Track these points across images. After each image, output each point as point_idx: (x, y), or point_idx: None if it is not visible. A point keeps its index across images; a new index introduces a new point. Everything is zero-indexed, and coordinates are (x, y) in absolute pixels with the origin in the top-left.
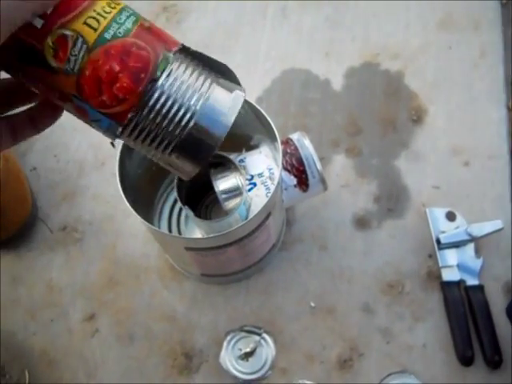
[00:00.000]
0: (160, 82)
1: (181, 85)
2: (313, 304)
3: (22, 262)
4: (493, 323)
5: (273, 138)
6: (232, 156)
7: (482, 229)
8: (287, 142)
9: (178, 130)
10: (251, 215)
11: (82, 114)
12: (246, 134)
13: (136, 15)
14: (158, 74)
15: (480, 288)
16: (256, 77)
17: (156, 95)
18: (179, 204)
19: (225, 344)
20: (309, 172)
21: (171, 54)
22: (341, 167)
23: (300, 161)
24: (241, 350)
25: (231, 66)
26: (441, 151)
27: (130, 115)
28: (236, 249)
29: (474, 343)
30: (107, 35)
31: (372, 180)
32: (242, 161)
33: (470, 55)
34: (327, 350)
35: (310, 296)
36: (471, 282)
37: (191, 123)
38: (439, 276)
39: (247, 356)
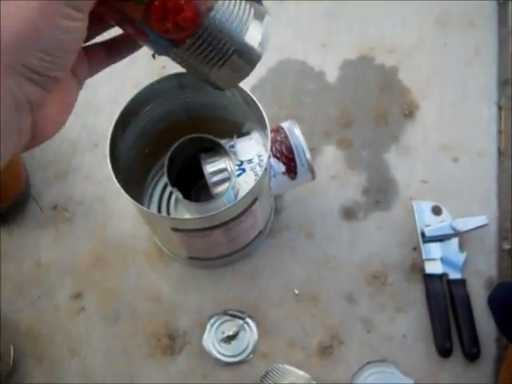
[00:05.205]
0: (214, 11)
1: (230, 11)
2: (297, 291)
3: (12, 239)
4: (473, 317)
5: (263, 125)
6: (223, 141)
7: (466, 224)
8: (278, 130)
9: (229, 47)
10: None
11: (141, 35)
12: (237, 120)
13: None
14: (214, 4)
15: (462, 282)
16: None
17: (213, 23)
18: (169, 188)
19: (208, 327)
20: (298, 160)
21: None
22: (331, 158)
23: (289, 149)
24: (224, 333)
25: None
26: (431, 146)
27: (188, 40)
28: (222, 232)
29: (454, 336)
30: None
31: (361, 172)
32: (232, 146)
33: (465, 53)
34: (309, 336)
35: (295, 283)
36: (454, 275)
37: (241, 41)
38: (422, 268)
39: (230, 339)
